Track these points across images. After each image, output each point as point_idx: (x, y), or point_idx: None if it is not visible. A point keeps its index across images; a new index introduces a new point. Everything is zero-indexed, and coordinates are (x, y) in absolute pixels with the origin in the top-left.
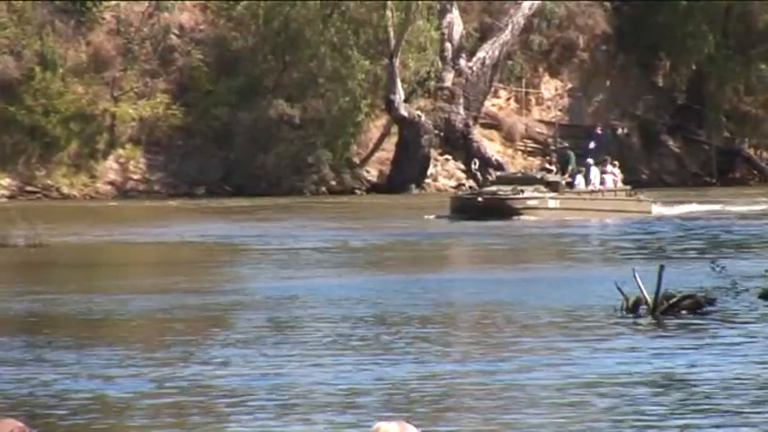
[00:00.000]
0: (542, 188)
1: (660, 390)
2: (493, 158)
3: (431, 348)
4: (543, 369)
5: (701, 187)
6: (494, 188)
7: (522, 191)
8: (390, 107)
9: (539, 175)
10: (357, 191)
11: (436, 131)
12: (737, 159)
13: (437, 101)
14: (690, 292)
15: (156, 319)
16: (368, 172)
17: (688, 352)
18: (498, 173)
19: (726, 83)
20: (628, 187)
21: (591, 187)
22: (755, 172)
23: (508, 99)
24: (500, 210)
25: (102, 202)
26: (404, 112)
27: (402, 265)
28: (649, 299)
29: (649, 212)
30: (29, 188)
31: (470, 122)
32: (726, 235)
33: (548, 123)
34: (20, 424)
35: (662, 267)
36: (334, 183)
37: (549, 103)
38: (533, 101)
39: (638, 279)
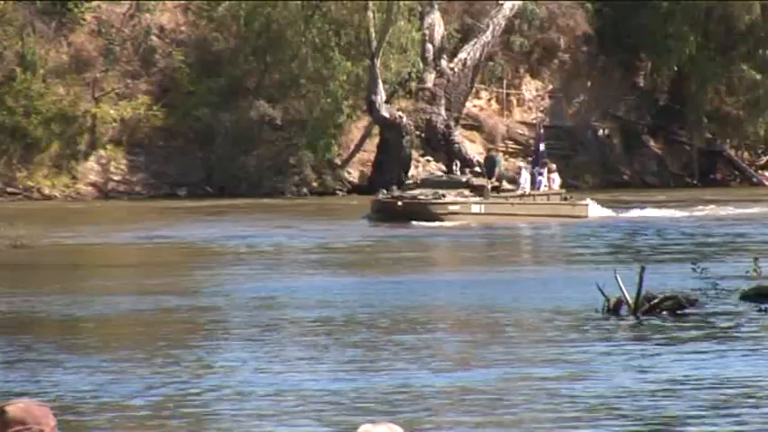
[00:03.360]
0: (466, 192)
1: (643, 391)
2: (474, 159)
3: (413, 352)
4: (529, 370)
5: (681, 188)
6: (416, 192)
7: (444, 195)
8: (372, 108)
9: (464, 179)
10: (338, 192)
11: (417, 132)
12: (719, 160)
13: (418, 102)
14: (671, 294)
15: (139, 320)
16: (349, 173)
17: (669, 353)
18: (422, 176)
19: (707, 84)
20: (562, 191)
21: (520, 191)
22: (737, 173)
23: (489, 100)
24: (420, 214)
25: (83, 203)
26: (385, 114)
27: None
28: (630, 300)
29: (585, 217)
30: (10, 189)
31: (452, 123)
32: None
33: (529, 124)
34: (36, 403)
35: (643, 269)
36: (315, 184)
37: (531, 104)
38: (514, 102)
39: (620, 280)
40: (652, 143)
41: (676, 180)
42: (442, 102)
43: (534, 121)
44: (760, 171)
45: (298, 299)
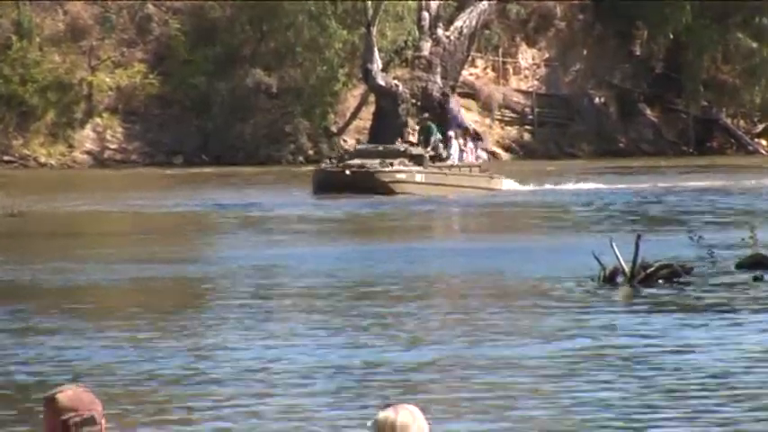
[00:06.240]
0: (407, 161)
1: (640, 361)
2: (470, 128)
3: (406, 325)
4: (528, 342)
5: (677, 156)
6: (358, 161)
7: (392, 164)
8: (367, 76)
9: (402, 148)
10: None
11: (413, 101)
12: (715, 128)
13: (414, 70)
14: (667, 262)
15: (136, 289)
16: (345, 141)
17: (666, 322)
18: (358, 146)
19: (703, 52)
20: (480, 163)
21: (451, 161)
22: (733, 141)
23: (485, 68)
24: (368, 184)
25: (79, 171)
26: (381, 82)
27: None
28: (626, 268)
29: (500, 189)
30: (6, 158)
31: (448, 91)
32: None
33: (525, 93)
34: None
35: (639, 237)
36: (311, 152)
37: (527, 72)
38: (511, 70)
39: (616, 249)
40: (648, 111)
41: (672, 148)
42: (438, 70)
43: (531, 90)
44: (756, 139)
45: (295, 268)
